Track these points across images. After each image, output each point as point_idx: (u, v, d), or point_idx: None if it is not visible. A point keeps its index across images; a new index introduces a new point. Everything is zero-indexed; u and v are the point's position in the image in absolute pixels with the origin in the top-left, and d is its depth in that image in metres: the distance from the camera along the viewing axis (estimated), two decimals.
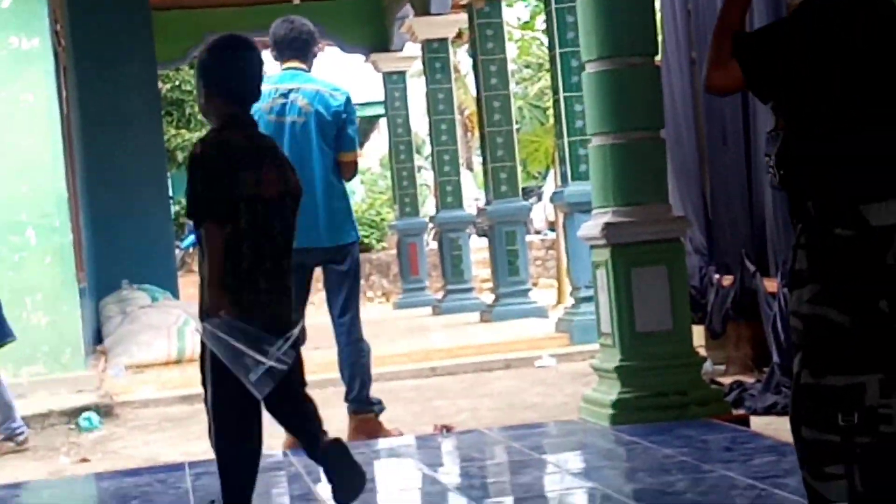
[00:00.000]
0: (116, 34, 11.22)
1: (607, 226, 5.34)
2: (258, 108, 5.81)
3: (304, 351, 5.97)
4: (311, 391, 6.16)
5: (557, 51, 9.28)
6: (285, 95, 5.86)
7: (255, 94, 4.14)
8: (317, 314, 6.73)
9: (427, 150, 24.73)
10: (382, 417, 5.97)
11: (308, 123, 5.83)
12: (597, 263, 5.54)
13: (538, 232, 21.23)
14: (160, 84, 15.26)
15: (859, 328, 2.60)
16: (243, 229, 3.84)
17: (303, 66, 6.01)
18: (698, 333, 7.03)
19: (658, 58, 5.86)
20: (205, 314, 3.90)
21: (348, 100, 5.95)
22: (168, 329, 9.91)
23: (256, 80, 4.10)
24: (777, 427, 5.46)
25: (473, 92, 24.12)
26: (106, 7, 11.19)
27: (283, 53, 6.04)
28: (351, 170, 5.99)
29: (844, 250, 2.60)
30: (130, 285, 11.21)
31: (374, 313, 14.07)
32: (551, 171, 18.14)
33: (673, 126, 7.35)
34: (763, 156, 6.26)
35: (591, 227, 5.51)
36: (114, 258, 11.37)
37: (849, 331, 2.59)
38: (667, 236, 5.41)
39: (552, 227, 20.01)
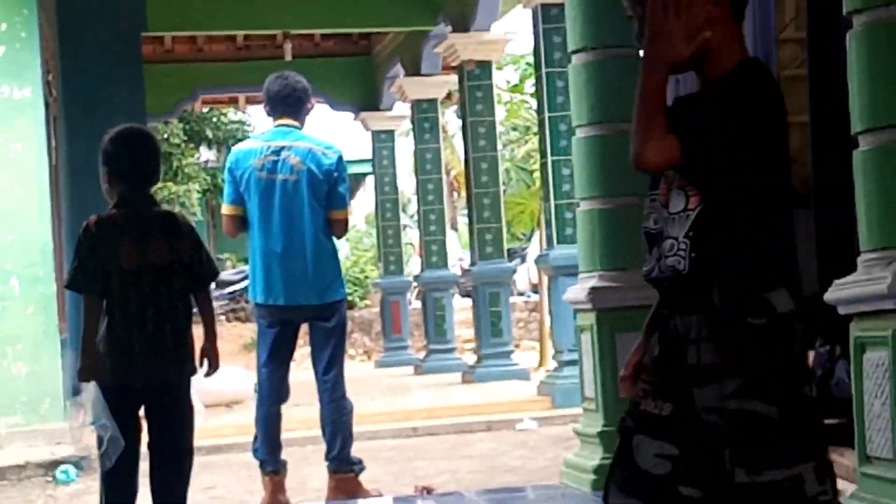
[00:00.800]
0: (108, 85, 11.20)
1: (593, 290, 5.36)
2: (250, 165, 5.85)
3: (285, 408, 5.98)
4: (291, 448, 6.17)
5: (546, 114, 9.36)
6: (277, 153, 5.87)
7: (151, 177, 4.51)
8: (300, 370, 6.72)
9: (412, 208, 24.83)
10: (362, 477, 5.94)
11: (300, 182, 5.84)
12: (582, 327, 5.55)
13: (521, 294, 21.24)
14: None
15: (788, 418, 2.53)
16: (115, 298, 4.28)
17: (295, 122, 6.02)
18: None
19: None
20: (83, 378, 4.32)
21: (340, 158, 5.96)
22: None
23: (150, 164, 4.48)
24: None
25: (460, 152, 24.25)
26: (98, 58, 11.18)
27: (275, 109, 6.05)
28: (342, 228, 6.00)
29: (759, 340, 2.51)
30: None
31: (356, 371, 14.02)
32: (536, 233, 18.21)
33: None
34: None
35: (577, 290, 5.53)
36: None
37: (778, 422, 2.53)
38: (652, 302, 5.41)
39: (535, 289, 20.03)
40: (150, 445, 4.43)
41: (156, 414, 4.40)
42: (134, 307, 4.31)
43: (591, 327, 5.39)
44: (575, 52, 5.52)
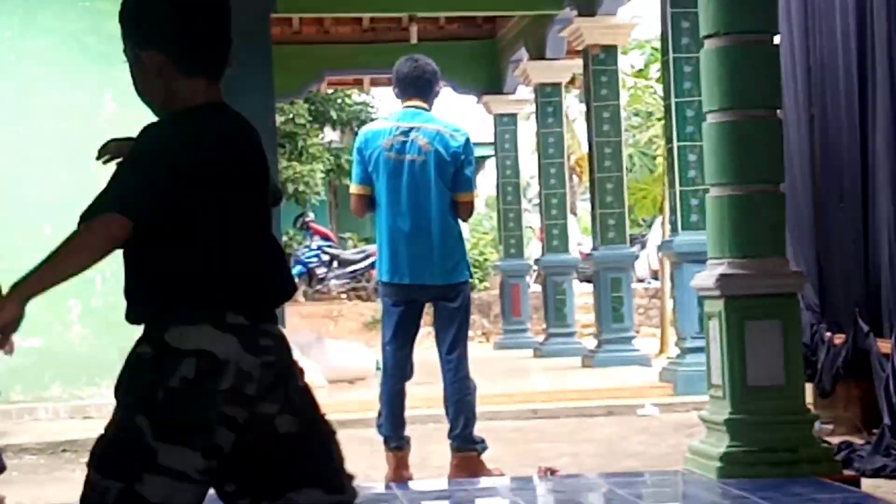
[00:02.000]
0: (238, 66, 11.43)
1: (722, 277, 5.32)
2: (378, 145, 5.93)
3: (409, 386, 6.07)
4: (413, 426, 6.23)
5: (673, 100, 9.27)
6: (406, 134, 5.94)
7: None
8: (423, 350, 6.80)
9: (531, 192, 24.80)
10: (484, 457, 5.99)
11: (427, 163, 5.89)
12: (709, 314, 5.51)
13: (641, 280, 21.09)
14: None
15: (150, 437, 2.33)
16: None
17: (424, 105, 6.08)
18: (807, 391, 6.94)
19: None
20: None
21: (467, 141, 6.00)
22: None
23: None
24: (887, 490, 5.38)
25: (581, 137, 24.12)
26: None
27: (405, 92, 6.11)
28: (468, 210, 6.05)
29: (141, 367, 2.40)
30: None
31: (475, 352, 13.99)
32: (657, 219, 18.05)
33: (788, 180, 7.30)
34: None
35: (705, 277, 5.49)
36: None
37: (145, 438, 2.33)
38: (783, 290, 5.38)
39: (656, 275, 19.87)
40: None
41: None
42: None
43: (720, 314, 5.35)
44: (707, 37, 5.47)
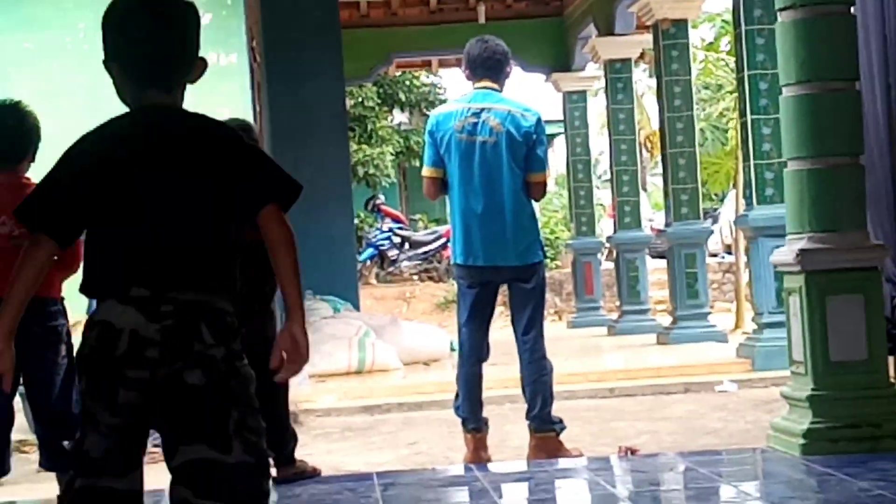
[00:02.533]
0: (308, 51, 11.51)
1: (802, 252, 5.25)
2: (450, 127, 5.93)
3: (486, 367, 6.07)
4: (490, 407, 6.24)
5: (746, 73, 9.16)
6: (477, 115, 5.92)
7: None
8: (498, 330, 6.79)
9: (600, 168, 24.66)
10: (562, 437, 5.98)
11: (499, 144, 5.88)
12: (789, 290, 5.45)
13: (714, 255, 20.92)
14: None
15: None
16: None
17: (495, 85, 6.06)
18: (889, 365, 6.84)
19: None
20: None
21: (539, 121, 5.98)
22: (349, 340, 10.12)
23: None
24: None
25: (650, 112, 23.91)
26: (299, 24, 11.49)
27: (476, 73, 6.09)
28: (540, 190, 6.02)
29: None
30: (314, 296, 11.46)
31: (548, 331, 13.98)
32: (729, 194, 17.87)
33: (865, 152, 7.19)
34: None
35: (785, 252, 5.42)
36: (301, 268, 11.64)
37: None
38: (864, 264, 5.30)
39: (729, 249, 19.68)
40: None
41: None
42: None
43: (800, 290, 5.28)
44: (783, 9, 5.39)
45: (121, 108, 8.09)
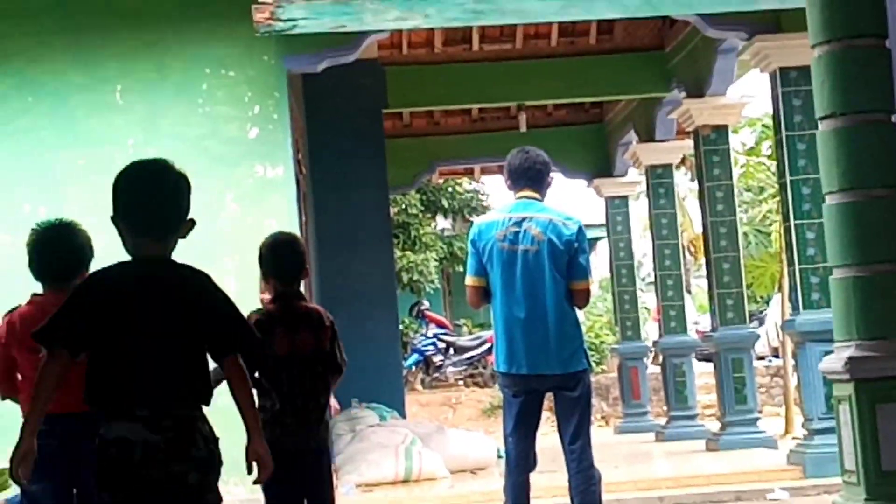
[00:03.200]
0: (353, 161, 11.68)
1: (850, 360, 5.21)
2: (492, 237, 5.99)
3: (533, 475, 6.03)
4: None
5: (788, 178, 9.19)
6: (518, 224, 5.98)
7: (297, 276, 5.34)
8: (545, 437, 6.75)
9: (643, 271, 24.63)
10: None
11: (541, 252, 5.92)
12: (839, 398, 5.40)
13: (761, 357, 20.75)
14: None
15: None
16: (270, 379, 5.13)
17: (536, 195, 6.13)
18: None
19: None
20: None
21: (580, 229, 6.02)
22: (396, 448, 10.07)
23: (296, 266, 5.31)
24: None
25: (691, 214, 23.88)
26: (344, 135, 11.68)
27: (517, 183, 6.16)
28: (584, 298, 6.05)
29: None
30: (360, 404, 11.46)
31: (595, 437, 13.92)
32: (775, 296, 17.77)
33: None
34: None
35: (833, 360, 5.39)
36: (345, 376, 11.68)
37: None
38: None
39: (776, 353, 19.52)
40: None
41: (304, 477, 5.21)
42: (286, 387, 5.14)
43: (850, 398, 5.24)
44: (823, 118, 5.43)
45: None
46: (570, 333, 5.96)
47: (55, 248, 5.04)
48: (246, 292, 8.61)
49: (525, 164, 6.15)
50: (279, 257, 5.37)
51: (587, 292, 6.09)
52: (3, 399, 5.08)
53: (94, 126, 9.00)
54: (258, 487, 7.34)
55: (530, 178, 6.13)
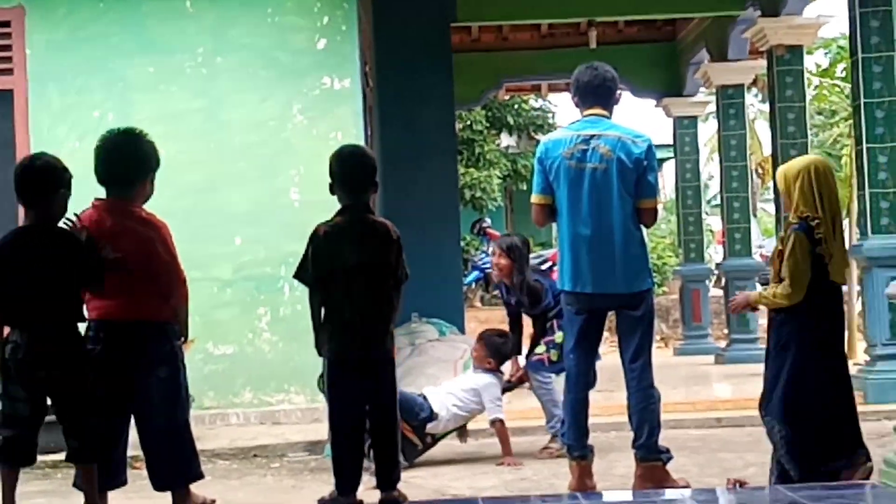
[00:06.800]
0: (419, 75, 11.60)
1: None
2: (559, 154, 5.94)
3: (592, 394, 6.06)
4: (595, 434, 6.21)
5: (862, 100, 9.03)
6: (586, 142, 5.92)
7: (366, 189, 5.50)
8: (605, 356, 6.77)
9: (709, 194, 24.39)
10: (669, 467, 5.94)
11: (609, 170, 5.87)
12: None
13: None
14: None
15: None
16: (338, 290, 5.29)
17: (605, 112, 6.06)
18: None
19: None
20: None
21: (650, 147, 5.97)
22: (454, 363, 10.11)
23: (364, 178, 5.46)
24: None
25: (760, 137, 23.56)
26: (411, 49, 11.60)
27: (585, 100, 6.10)
28: (651, 217, 6.01)
29: None
30: (420, 318, 11.51)
31: (654, 359, 13.90)
32: (844, 222, 17.54)
33: None
34: None
35: None
36: (407, 290, 11.74)
37: None
38: None
39: None
40: (369, 413, 5.42)
41: (369, 385, 5.33)
42: (352, 298, 5.25)
43: None
44: None
45: (239, 131, 8.38)
46: (635, 253, 5.94)
47: (120, 155, 5.10)
48: (310, 203, 8.70)
49: (594, 80, 6.07)
50: (348, 169, 5.42)
51: (654, 211, 6.05)
52: None
53: (165, 33, 9.04)
54: (319, 395, 7.48)
55: (598, 95, 6.06)
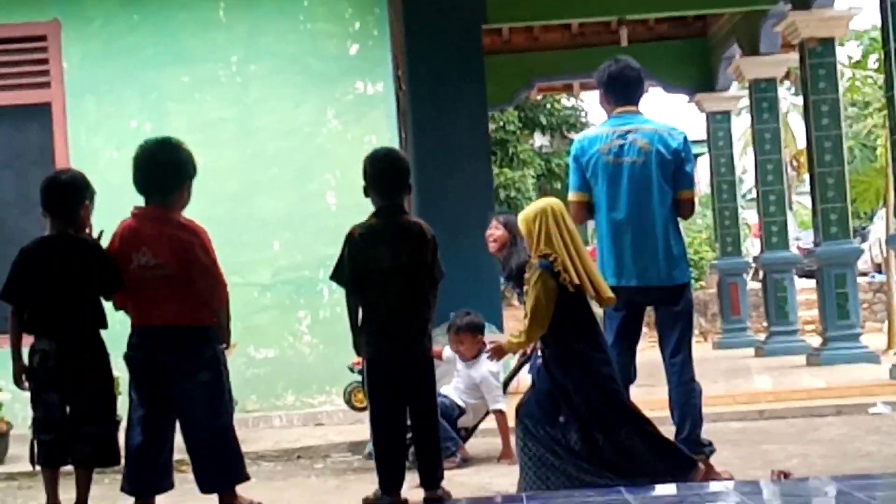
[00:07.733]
0: (451, 78, 11.64)
1: None
2: (596, 151, 5.96)
3: (632, 388, 6.07)
4: None
5: (894, 91, 8.99)
6: (623, 137, 5.93)
7: (400, 191, 5.47)
8: (644, 351, 6.77)
9: (744, 187, 24.31)
10: (712, 460, 5.94)
11: (648, 163, 5.88)
12: None
13: (864, 274, 20.45)
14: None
15: None
16: (375, 291, 5.28)
17: (635, 108, 6.08)
18: None
19: None
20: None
21: (686, 139, 5.98)
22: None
23: (399, 181, 5.44)
24: None
25: (794, 130, 23.46)
26: (443, 52, 11.64)
27: (613, 95, 6.10)
28: (689, 208, 6.02)
29: None
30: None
31: (694, 353, 13.89)
32: (879, 212, 17.48)
33: None
34: None
35: None
36: (444, 291, 11.76)
37: None
38: None
39: (878, 269, 19.22)
40: (410, 412, 5.40)
41: (409, 385, 5.34)
42: (389, 299, 5.27)
43: None
44: None
45: (274, 138, 8.48)
46: (674, 245, 5.94)
47: (157, 164, 5.19)
48: (346, 206, 8.75)
49: (622, 72, 6.08)
50: (381, 171, 5.47)
51: (692, 202, 6.06)
52: (117, 310, 5.28)
53: (198, 43, 9.13)
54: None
55: (626, 86, 6.06)
